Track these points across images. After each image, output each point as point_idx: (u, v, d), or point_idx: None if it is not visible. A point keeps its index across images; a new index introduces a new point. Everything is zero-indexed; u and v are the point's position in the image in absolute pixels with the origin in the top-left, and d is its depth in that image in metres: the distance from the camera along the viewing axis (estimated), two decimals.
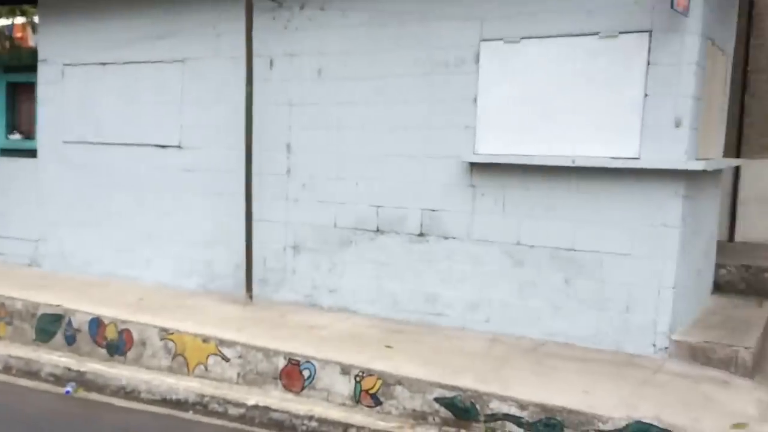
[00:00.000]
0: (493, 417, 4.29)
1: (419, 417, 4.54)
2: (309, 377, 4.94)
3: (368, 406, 4.71)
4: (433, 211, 5.76)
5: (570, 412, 4.10)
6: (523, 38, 5.26)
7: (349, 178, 6.12)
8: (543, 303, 5.38)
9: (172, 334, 5.52)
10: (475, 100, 5.49)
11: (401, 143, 5.85)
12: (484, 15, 5.41)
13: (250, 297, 6.36)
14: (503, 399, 4.29)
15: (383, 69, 5.89)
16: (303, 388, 4.95)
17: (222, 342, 5.30)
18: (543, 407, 4.17)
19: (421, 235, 5.83)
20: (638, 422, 3.93)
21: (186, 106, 6.86)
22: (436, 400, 4.49)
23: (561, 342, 5.31)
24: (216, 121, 6.69)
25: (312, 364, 4.94)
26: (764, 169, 7.45)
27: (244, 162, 6.25)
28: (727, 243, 7.50)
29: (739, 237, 7.64)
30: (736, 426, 3.94)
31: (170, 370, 5.48)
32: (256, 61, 6.25)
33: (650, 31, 4.80)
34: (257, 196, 6.38)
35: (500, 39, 5.34)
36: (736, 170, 7.51)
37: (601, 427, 4.00)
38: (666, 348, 4.97)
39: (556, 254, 5.31)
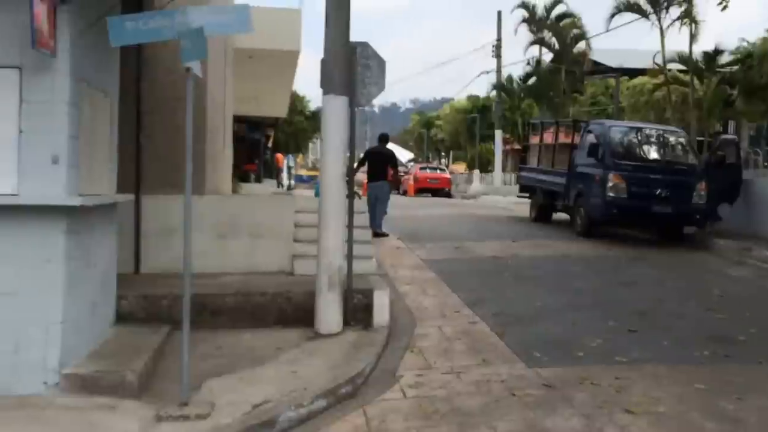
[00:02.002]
0: None
1: None
2: None
3: None
4: None
5: None
6: None
7: None
8: None
9: None
10: None
11: None
12: None
13: None
14: None
15: None
16: None
17: None
18: None
19: None
20: None
21: None
22: None
23: None
24: None
25: None
26: (163, 203, 8.12)
27: None
28: (133, 274, 7.95)
29: (145, 268, 8.16)
30: None
31: None
32: None
33: (21, 68, 4.83)
34: None
35: None
36: (138, 205, 8.02)
37: None
38: (57, 383, 4.99)
39: None
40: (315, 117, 51.59)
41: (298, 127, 48.05)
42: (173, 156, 8.41)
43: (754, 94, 22.66)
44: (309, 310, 6.93)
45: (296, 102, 41.94)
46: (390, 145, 14.35)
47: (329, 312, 6.67)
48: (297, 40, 13.51)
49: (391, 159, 13.68)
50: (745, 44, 24.53)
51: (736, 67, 23.68)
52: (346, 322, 6.82)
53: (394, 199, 15.63)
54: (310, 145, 61.24)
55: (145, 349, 5.80)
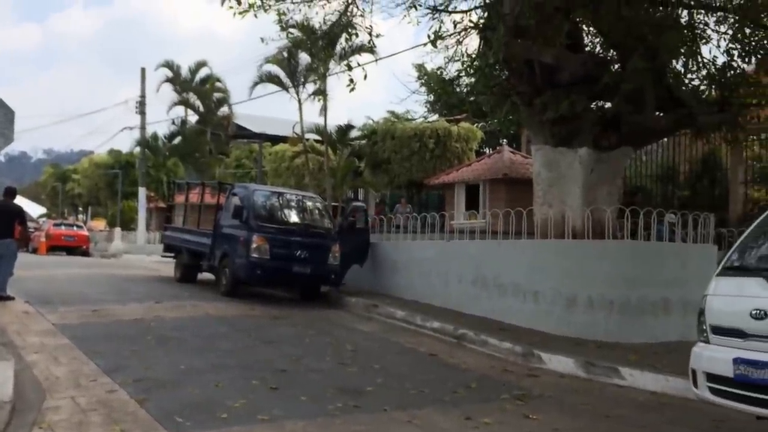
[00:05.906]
0: None
1: None
2: None
3: None
4: None
5: None
6: None
7: None
8: None
9: None
10: None
11: None
12: None
13: None
14: None
15: None
16: None
17: None
18: None
19: None
20: None
21: None
22: None
23: None
24: None
25: None
26: None
27: None
28: None
29: None
30: None
31: None
32: None
33: None
34: None
35: None
36: None
37: None
38: None
39: None
40: None
41: None
42: None
43: (378, 166, 25.51)
44: None
45: None
46: (18, 199, 13.16)
47: None
48: None
49: (19, 214, 12.47)
50: (371, 122, 27.66)
51: (364, 142, 26.49)
52: None
53: (23, 258, 14.17)
54: None
55: None
